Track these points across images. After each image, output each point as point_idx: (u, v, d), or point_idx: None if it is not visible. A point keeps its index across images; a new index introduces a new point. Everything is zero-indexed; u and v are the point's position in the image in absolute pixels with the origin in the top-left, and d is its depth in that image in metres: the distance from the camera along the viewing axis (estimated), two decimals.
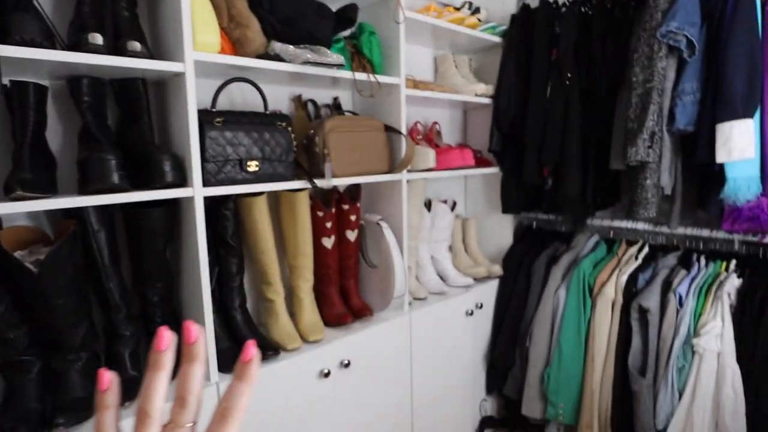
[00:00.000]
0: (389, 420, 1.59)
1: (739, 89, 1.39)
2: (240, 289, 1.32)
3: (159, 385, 0.29)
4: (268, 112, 1.33)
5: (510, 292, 1.99)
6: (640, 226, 1.85)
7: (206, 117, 1.19)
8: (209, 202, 1.25)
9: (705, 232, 1.69)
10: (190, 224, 1.14)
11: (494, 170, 2.01)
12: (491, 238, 2.18)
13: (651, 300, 1.59)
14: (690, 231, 1.72)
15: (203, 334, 0.31)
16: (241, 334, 1.25)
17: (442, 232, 1.95)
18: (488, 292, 1.99)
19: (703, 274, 1.61)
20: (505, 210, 2.03)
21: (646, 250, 1.82)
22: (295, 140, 1.35)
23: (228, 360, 1.17)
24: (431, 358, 1.72)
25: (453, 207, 2.00)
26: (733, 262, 1.60)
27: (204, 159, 1.17)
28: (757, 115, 1.40)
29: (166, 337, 0.30)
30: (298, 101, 1.62)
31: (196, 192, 1.13)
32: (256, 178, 1.26)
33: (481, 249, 2.15)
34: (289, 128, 1.32)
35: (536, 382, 1.86)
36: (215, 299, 1.28)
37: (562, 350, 1.79)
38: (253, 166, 1.25)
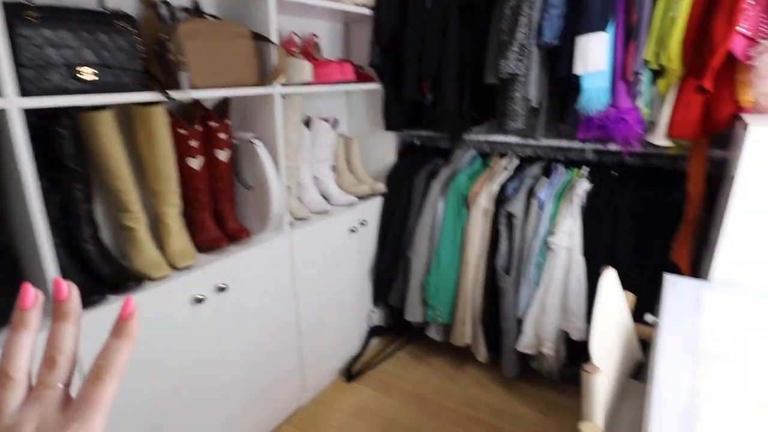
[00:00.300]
0: (276, 340, 1.61)
1: (597, 4, 1.46)
2: (90, 217, 1.17)
3: (23, 345, 0.27)
4: (103, 9, 1.12)
5: (393, 207, 2.04)
6: (512, 139, 1.96)
7: (16, 10, 0.97)
8: (39, 117, 1.06)
9: (564, 143, 1.85)
10: (8, 143, 0.96)
11: (376, 86, 1.96)
12: (375, 156, 2.18)
13: (516, 206, 1.73)
14: (553, 142, 1.86)
15: (76, 291, 0.28)
16: (95, 267, 1.13)
17: (324, 151, 1.89)
18: (372, 210, 2.02)
19: (561, 180, 1.78)
20: (388, 127, 2.03)
21: (515, 161, 1.95)
22: (145, 46, 1.17)
23: (83, 295, 1.06)
24: (316, 276, 1.74)
25: (334, 125, 1.94)
26: (585, 169, 1.78)
27: (18, 63, 0.97)
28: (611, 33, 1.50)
29: (31, 294, 0.27)
30: (147, 1, 1.38)
31: (12, 103, 0.94)
32: (95, 88, 1.08)
33: (364, 167, 2.14)
34: (133, 29, 1.13)
35: (417, 290, 1.98)
36: (61, 231, 1.13)
37: (440, 258, 1.91)
38: (88, 73, 1.07)
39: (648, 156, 1.75)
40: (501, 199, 1.81)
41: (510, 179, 1.86)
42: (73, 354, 0.28)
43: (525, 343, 1.78)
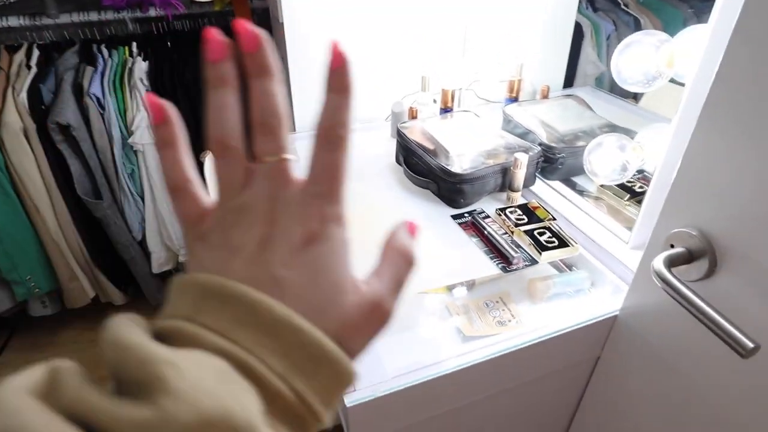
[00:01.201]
0: None
1: None
2: None
3: (229, 105, 0.21)
4: None
5: None
6: (14, 22, 1.39)
7: None
8: None
9: (94, 16, 1.45)
10: None
11: None
12: None
13: (67, 113, 1.30)
14: (77, 17, 1.42)
15: (268, 42, 0.21)
16: None
17: None
18: None
19: (111, 66, 1.42)
20: None
21: (36, 53, 1.42)
22: None
23: None
24: None
25: None
26: (134, 45, 1.47)
27: None
28: None
29: (219, 42, 0.21)
30: None
31: None
32: None
33: None
34: None
35: None
36: None
37: None
38: None
39: (195, 17, 1.59)
40: (40, 110, 1.32)
41: (40, 80, 1.36)
42: (285, 116, 0.22)
43: (159, 263, 1.56)
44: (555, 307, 0.73)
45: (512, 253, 0.74)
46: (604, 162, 0.81)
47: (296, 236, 0.21)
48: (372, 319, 0.21)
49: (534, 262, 0.74)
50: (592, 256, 0.79)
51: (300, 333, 0.19)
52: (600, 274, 0.77)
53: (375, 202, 0.91)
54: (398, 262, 0.24)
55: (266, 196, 0.21)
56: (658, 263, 0.50)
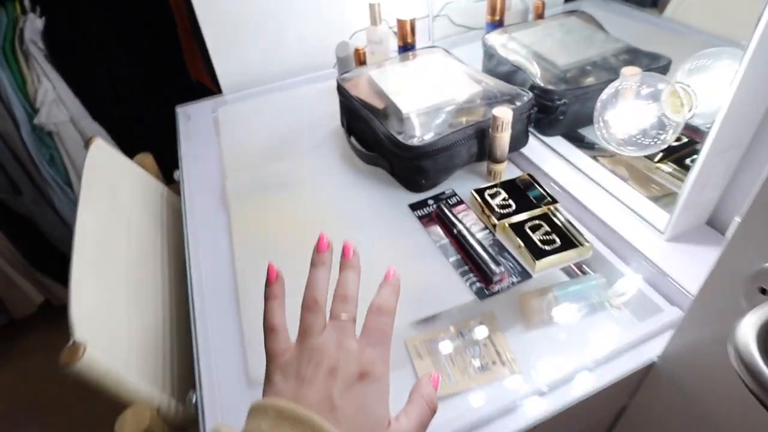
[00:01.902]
0: None
1: None
2: None
3: (322, 278, 0.31)
4: None
5: None
6: None
7: None
8: None
9: None
10: None
11: None
12: None
13: None
14: None
15: (357, 253, 0.33)
16: None
17: None
18: None
19: None
20: None
21: None
22: None
23: None
24: None
25: None
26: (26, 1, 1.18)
27: None
28: None
29: (324, 242, 0.32)
30: None
31: None
32: None
33: None
34: None
35: None
36: None
37: None
38: None
39: None
40: None
41: None
42: (357, 297, 0.31)
43: None
44: (561, 334, 0.51)
45: (492, 266, 0.50)
46: (625, 122, 0.54)
47: (353, 374, 0.27)
48: None
49: (525, 276, 0.51)
50: (610, 251, 0.55)
51: None
52: (623, 276, 0.53)
53: (309, 190, 0.67)
54: (423, 408, 0.28)
55: (335, 342, 0.28)
56: (744, 337, 0.26)
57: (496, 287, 0.50)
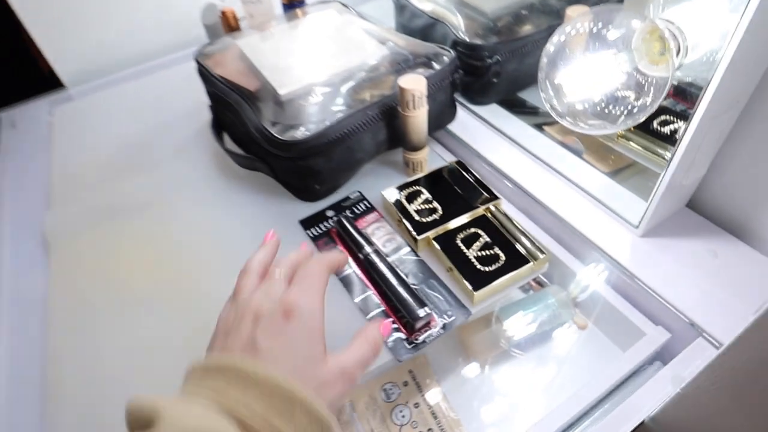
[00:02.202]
0: None
1: None
2: None
3: (261, 253, 0.31)
4: None
5: None
6: None
7: None
8: None
9: None
10: None
11: None
12: None
13: None
14: None
15: (312, 253, 0.32)
16: None
17: None
18: None
19: None
20: None
21: None
22: None
23: None
24: None
25: None
26: None
27: None
28: None
29: (270, 237, 0.33)
30: None
31: None
32: None
33: None
34: None
35: None
36: None
37: None
38: None
39: None
40: None
41: None
42: (293, 265, 0.30)
43: None
44: (517, 369, 0.37)
45: (414, 307, 0.35)
46: (583, 85, 0.39)
47: (277, 314, 0.26)
48: (340, 380, 0.26)
49: (462, 313, 0.36)
50: (571, 255, 0.41)
51: (276, 382, 0.23)
52: (586, 288, 0.40)
53: (169, 211, 0.49)
54: (364, 347, 0.28)
55: (263, 293, 0.28)
56: None
57: (422, 336, 0.35)
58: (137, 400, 0.21)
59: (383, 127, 0.45)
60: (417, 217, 0.41)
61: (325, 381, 0.25)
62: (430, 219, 0.41)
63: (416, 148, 0.46)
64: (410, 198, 0.43)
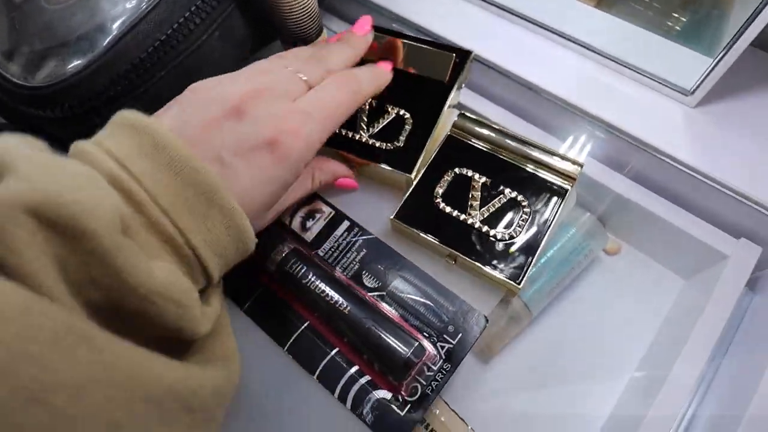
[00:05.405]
0: None
1: None
2: None
3: (318, 47, 0.25)
4: None
5: None
6: None
7: None
8: None
9: None
10: None
11: None
12: None
13: None
14: None
15: (369, 38, 0.26)
16: None
17: None
18: None
19: None
20: None
21: None
22: None
23: None
24: None
25: None
26: None
27: None
28: None
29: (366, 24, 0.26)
30: None
31: None
32: None
33: None
34: None
35: None
36: None
37: None
38: None
39: None
40: None
41: None
42: (333, 69, 0.23)
43: None
44: (544, 351, 0.25)
45: (398, 347, 0.19)
46: None
47: (262, 137, 0.19)
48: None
49: (472, 318, 0.21)
50: (594, 159, 0.26)
51: (197, 173, 0.17)
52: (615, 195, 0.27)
53: None
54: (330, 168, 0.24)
55: (270, 84, 0.20)
56: None
57: (416, 385, 0.20)
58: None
59: (234, 13, 0.24)
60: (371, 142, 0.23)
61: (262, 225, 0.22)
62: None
63: (307, 36, 0.26)
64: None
